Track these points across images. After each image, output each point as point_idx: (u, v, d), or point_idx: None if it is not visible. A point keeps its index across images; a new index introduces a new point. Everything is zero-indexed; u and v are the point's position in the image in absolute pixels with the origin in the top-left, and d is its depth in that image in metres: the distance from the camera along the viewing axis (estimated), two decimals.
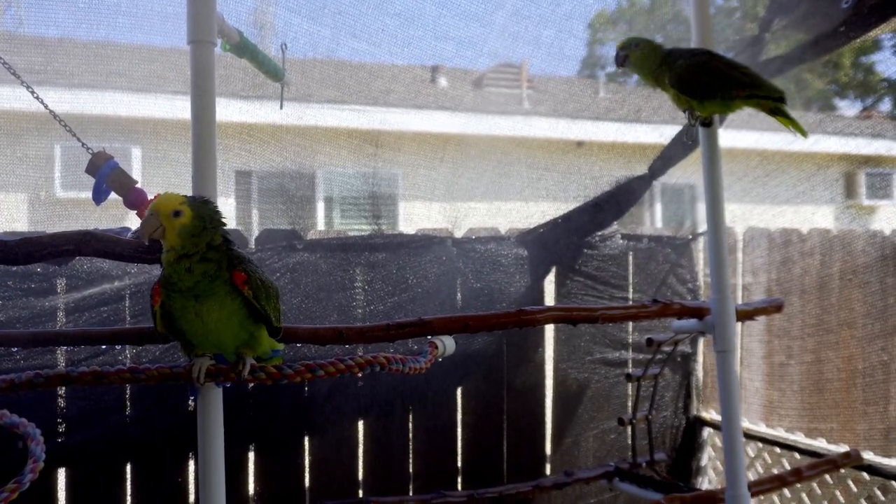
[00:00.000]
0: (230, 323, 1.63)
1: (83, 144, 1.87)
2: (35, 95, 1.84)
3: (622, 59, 2.59)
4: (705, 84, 2.45)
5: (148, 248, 1.77)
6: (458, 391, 3.70)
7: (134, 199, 1.84)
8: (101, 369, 1.67)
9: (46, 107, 1.85)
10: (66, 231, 1.69)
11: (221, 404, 1.87)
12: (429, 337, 2.23)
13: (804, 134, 2.55)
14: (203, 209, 1.60)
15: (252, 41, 2.40)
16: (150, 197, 1.92)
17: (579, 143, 5.24)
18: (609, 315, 2.57)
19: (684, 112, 2.65)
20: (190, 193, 1.87)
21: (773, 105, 2.48)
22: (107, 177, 1.83)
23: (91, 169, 1.83)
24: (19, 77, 1.84)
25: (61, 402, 2.90)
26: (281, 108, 2.54)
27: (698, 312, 2.73)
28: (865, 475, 3.56)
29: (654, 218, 6.85)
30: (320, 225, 5.38)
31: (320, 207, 5.39)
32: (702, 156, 2.72)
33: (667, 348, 3.21)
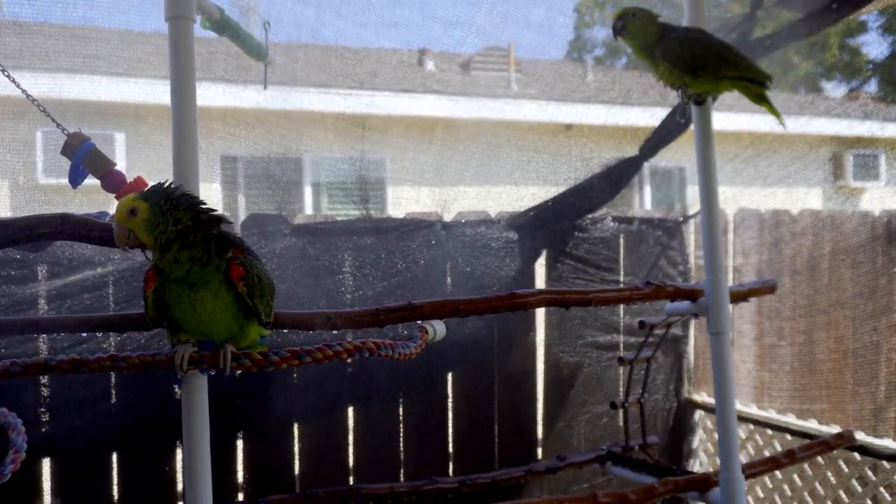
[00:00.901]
0: (224, 315, 1.60)
1: (59, 126, 1.81)
2: (6, 74, 1.77)
3: (619, 29, 2.54)
4: (698, 58, 2.41)
5: None
6: (449, 376, 3.66)
7: (112, 181, 1.79)
8: (81, 357, 1.62)
9: (19, 86, 1.79)
10: (42, 214, 1.64)
11: (206, 392, 1.83)
12: (418, 322, 2.19)
13: (783, 124, 2.53)
14: (155, 195, 1.55)
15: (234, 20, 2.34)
16: (129, 180, 1.87)
17: (568, 126, 5.20)
18: (602, 298, 2.54)
19: (676, 90, 2.61)
20: (172, 177, 1.82)
21: (759, 90, 2.47)
22: (83, 159, 1.77)
23: (67, 151, 1.77)
24: None
25: (44, 391, 2.85)
26: (265, 88, 2.48)
27: (692, 294, 2.70)
28: (856, 455, 3.56)
29: (643, 200, 6.83)
30: (308, 210, 5.33)
31: (308, 192, 5.34)
32: (695, 135, 2.68)
33: (659, 331, 3.18)
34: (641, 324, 3.04)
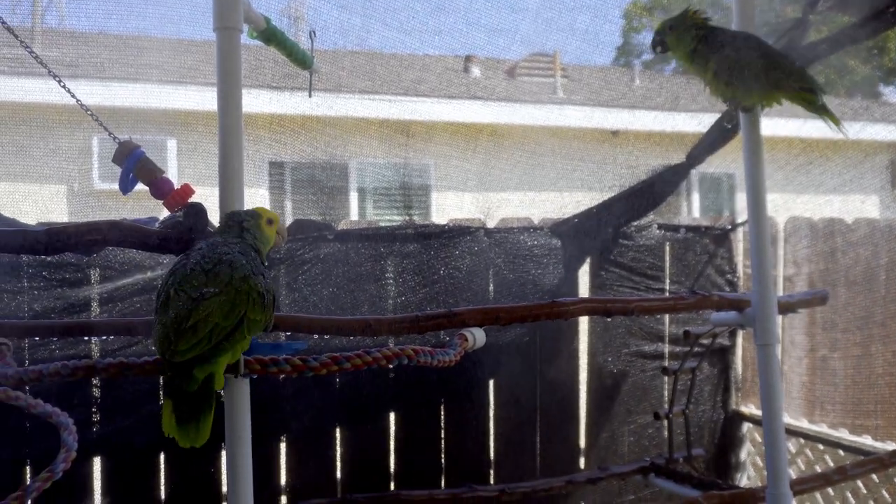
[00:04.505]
0: None
1: (110, 134, 1.86)
2: (62, 85, 1.83)
3: (658, 43, 2.49)
4: (755, 70, 2.34)
5: (175, 238, 1.75)
6: (491, 383, 3.65)
7: (160, 188, 1.83)
8: (128, 361, 1.66)
9: (74, 96, 1.84)
10: (92, 221, 1.68)
11: (248, 395, 1.85)
12: (462, 331, 2.19)
13: (844, 132, 2.43)
14: None
15: (284, 31, 2.38)
16: (177, 186, 1.91)
17: (615, 133, 5.14)
18: (645, 307, 2.50)
19: (726, 102, 2.56)
20: (217, 182, 1.86)
21: (815, 99, 2.37)
22: (133, 166, 1.81)
23: (118, 158, 1.82)
24: (47, 67, 1.84)
25: (96, 392, 2.93)
26: (310, 96, 2.50)
27: (738, 305, 2.64)
28: None
29: (691, 208, 6.71)
30: (353, 215, 5.37)
31: (353, 198, 5.39)
32: (743, 142, 2.62)
33: (705, 341, 3.12)
34: (686, 334, 2.98)
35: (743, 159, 2.63)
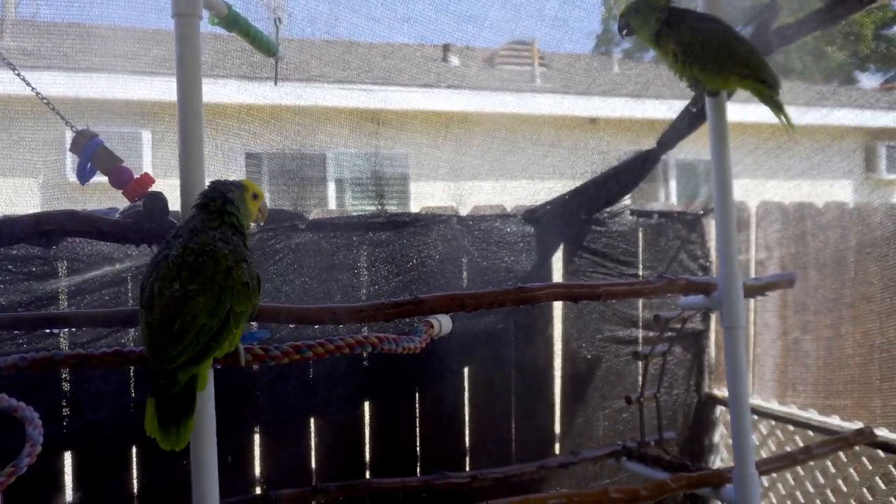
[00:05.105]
0: None
1: (67, 123, 1.84)
2: (17, 73, 1.81)
3: (623, 27, 2.50)
4: (708, 50, 2.34)
5: (133, 228, 1.74)
6: (465, 371, 3.66)
7: (119, 177, 1.81)
8: (86, 352, 1.65)
9: (29, 84, 1.82)
10: (48, 211, 1.67)
11: (212, 386, 1.84)
12: (427, 318, 2.19)
13: (793, 128, 2.44)
14: None
15: (259, 20, 2.36)
16: (136, 176, 1.89)
17: (592, 120, 5.15)
18: (612, 291, 2.51)
19: (690, 85, 2.57)
20: (178, 170, 1.84)
21: (768, 92, 2.37)
22: (91, 155, 1.80)
23: (75, 147, 1.80)
24: (2, 56, 1.81)
25: (66, 386, 2.90)
26: (275, 84, 2.49)
27: (705, 288, 2.67)
28: (880, 452, 3.49)
29: (668, 194, 6.74)
30: (332, 205, 5.34)
31: (331, 188, 5.36)
32: (709, 126, 2.64)
33: (675, 325, 3.15)
34: (657, 318, 3.01)
35: (709, 143, 2.65)
